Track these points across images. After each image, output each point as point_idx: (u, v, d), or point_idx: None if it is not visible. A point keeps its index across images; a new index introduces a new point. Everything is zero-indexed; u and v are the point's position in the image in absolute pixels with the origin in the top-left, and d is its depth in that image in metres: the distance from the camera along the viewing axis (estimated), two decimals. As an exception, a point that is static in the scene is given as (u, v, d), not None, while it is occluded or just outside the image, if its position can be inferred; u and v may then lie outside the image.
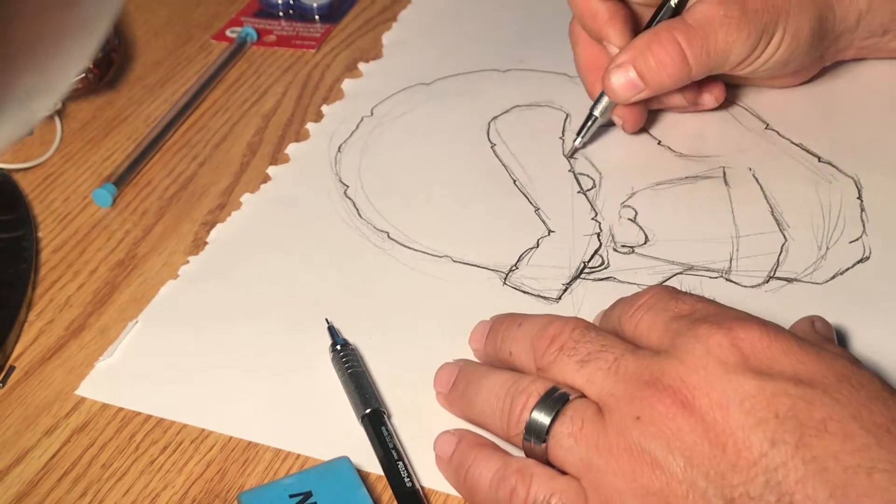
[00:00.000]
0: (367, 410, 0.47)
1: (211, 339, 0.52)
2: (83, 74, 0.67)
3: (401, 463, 0.45)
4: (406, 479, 0.44)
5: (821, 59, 0.63)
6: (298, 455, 0.47)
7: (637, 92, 0.58)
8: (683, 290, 0.52)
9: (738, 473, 0.37)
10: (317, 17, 0.76)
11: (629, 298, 0.45)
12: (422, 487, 0.45)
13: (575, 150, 0.62)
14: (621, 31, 0.60)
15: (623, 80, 0.58)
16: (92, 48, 0.23)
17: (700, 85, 0.62)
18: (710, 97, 0.63)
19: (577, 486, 0.40)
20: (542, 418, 0.41)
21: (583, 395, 0.42)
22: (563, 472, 0.41)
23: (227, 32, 0.75)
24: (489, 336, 0.47)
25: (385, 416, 0.47)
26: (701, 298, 0.44)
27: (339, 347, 0.50)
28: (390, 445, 0.45)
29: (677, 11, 0.59)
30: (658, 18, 0.60)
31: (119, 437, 0.48)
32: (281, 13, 0.77)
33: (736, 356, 0.39)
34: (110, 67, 0.69)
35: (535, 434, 0.41)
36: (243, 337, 0.52)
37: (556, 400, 0.41)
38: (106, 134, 0.66)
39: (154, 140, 0.65)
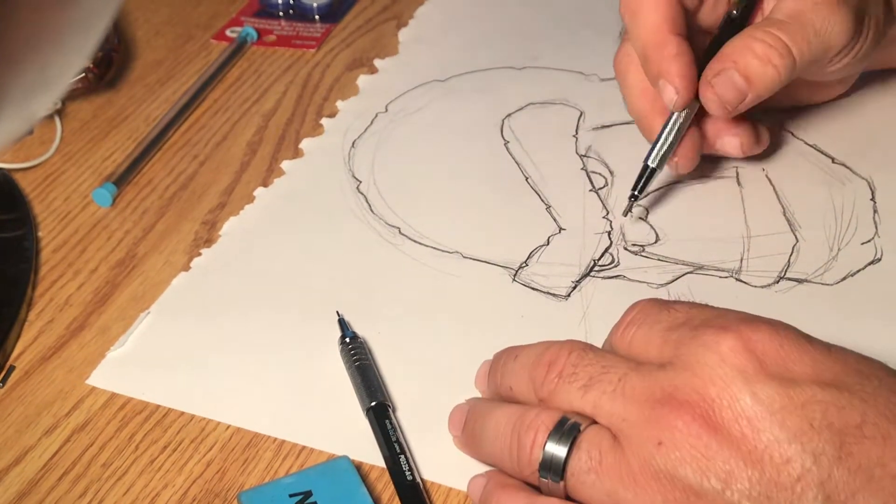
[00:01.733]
0: (373, 403, 0.47)
1: (221, 331, 0.52)
2: (83, 74, 0.67)
3: (402, 456, 0.45)
4: (407, 473, 0.44)
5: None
6: (298, 454, 0.46)
7: (742, 98, 0.53)
8: (684, 294, 0.52)
9: (783, 491, 0.35)
10: (317, 16, 0.76)
11: (620, 321, 0.43)
12: (423, 481, 0.45)
13: (630, 210, 0.56)
14: (684, 70, 0.54)
15: (727, 86, 0.53)
16: (91, 46, 0.23)
17: (753, 128, 0.58)
18: (764, 139, 0.58)
19: None
20: (557, 453, 0.39)
21: (594, 423, 0.39)
22: None
23: (228, 32, 0.75)
24: (490, 373, 0.45)
25: (389, 410, 0.47)
26: (693, 304, 0.41)
27: (347, 340, 0.50)
28: (393, 439, 0.45)
29: (742, 23, 0.55)
30: (724, 29, 0.55)
31: (119, 436, 0.48)
32: (281, 13, 0.77)
33: (752, 362, 0.36)
34: (110, 67, 0.69)
35: (552, 471, 0.39)
36: (253, 329, 0.52)
37: (567, 432, 0.39)
38: (106, 133, 0.66)
39: (154, 139, 0.64)
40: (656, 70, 0.54)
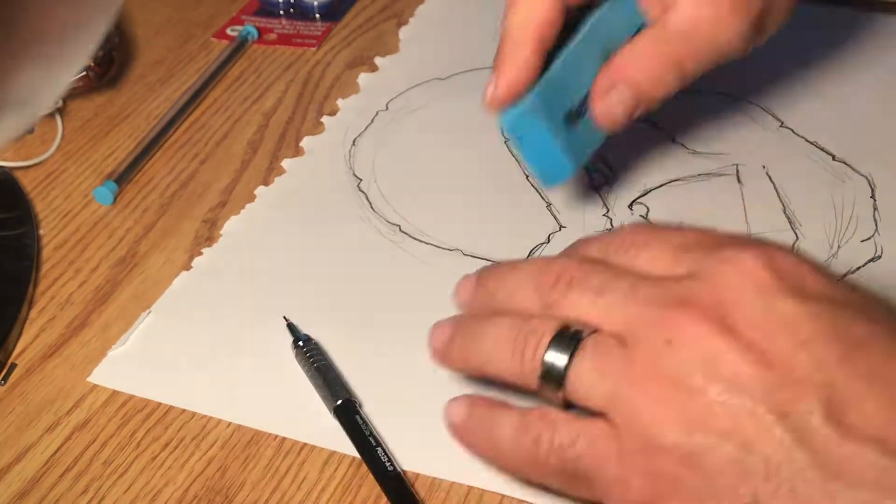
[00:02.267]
0: (338, 402, 0.47)
1: (222, 329, 0.52)
2: (84, 72, 0.67)
3: (380, 449, 0.45)
4: (387, 464, 0.44)
5: None
6: (299, 451, 0.47)
7: (632, 113, 0.52)
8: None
9: (786, 390, 0.35)
10: (317, 15, 0.76)
11: (603, 238, 0.42)
12: (404, 472, 0.45)
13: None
14: (517, 83, 0.52)
15: (618, 103, 0.52)
16: (95, 43, 0.23)
17: None
18: None
19: (604, 424, 0.37)
20: (560, 355, 0.38)
21: (598, 331, 0.38)
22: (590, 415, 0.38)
23: (228, 31, 0.75)
24: (479, 285, 0.44)
25: (357, 406, 0.47)
26: (699, 227, 0.41)
27: (301, 343, 0.49)
28: (367, 433, 0.45)
29: None
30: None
31: (120, 433, 0.48)
32: (281, 12, 0.77)
33: (770, 276, 0.37)
34: (111, 65, 0.69)
35: (554, 375, 0.38)
36: (254, 327, 0.52)
37: (571, 336, 0.38)
38: (107, 132, 0.66)
39: (155, 138, 0.65)
40: (499, 62, 0.52)
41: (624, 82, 0.51)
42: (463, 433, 0.41)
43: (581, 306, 0.39)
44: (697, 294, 0.37)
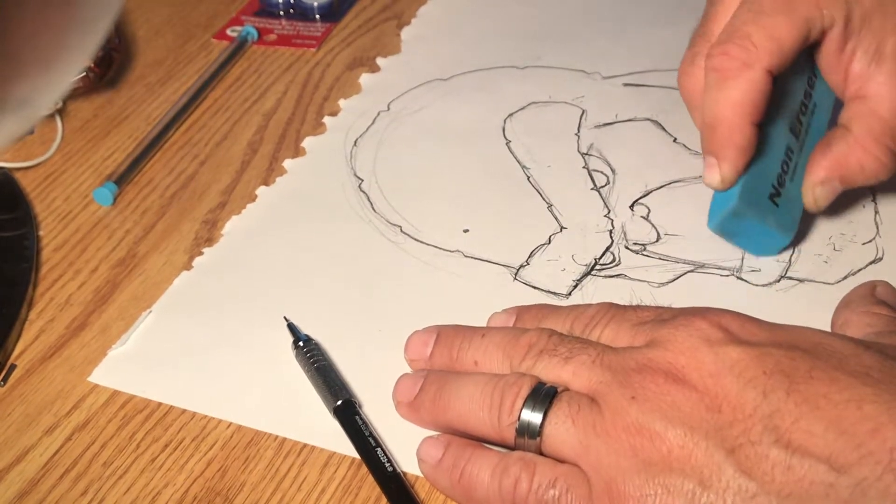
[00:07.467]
0: (338, 402, 0.47)
1: (223, 330, 0.52)
2: (84, 73, 0.67)
3: (379, 449, 0.45)
4: (387, 465, 0.44)
5: None
6: (299, 452, 0.47)
7: (834, 196, 0.53)
8: (684, 292, 0.52)
9: (736, 427, 0.38)
10: (317, 16, 0.76)
11: (569, 315, 0.46)
12: (404, 473, 0.45)
13: None
14: (740, 165, 0.51)
15: (829, 195, 0.53)
16: (94, 45, 0.23)
17: None
18: None
19: (578, 470, 0.41)
20: (536, 410, 0.41)
21: (569, 389, 0.42)
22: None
23: (228, 31, 0.75)
24: (439, 346, 0.47)
25: (357, 406, 0.47)
26: (658, 306, 0.45)
27: (301, 344, 0.49)
28: (367, 434, 0.45)
29: None
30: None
31: (120, 435, 0.48)
32: (281, 12, 0.77)
33: (718, 333, 0.41)
34: (111, 66, 0.69)
35: (530, 429, 0.41)
36: (255, 328, 0.52)
37: (546, 392, 0.42)
38: (107, 133, 0.66)
39: (155, 139, 0.65)
40: (715, 149, 0.51)
41: (839, 180, 0.52)
42: (438, 473, 0.44)
43: (551, 369, 0.43)
44: (656, 359, 0.41)
